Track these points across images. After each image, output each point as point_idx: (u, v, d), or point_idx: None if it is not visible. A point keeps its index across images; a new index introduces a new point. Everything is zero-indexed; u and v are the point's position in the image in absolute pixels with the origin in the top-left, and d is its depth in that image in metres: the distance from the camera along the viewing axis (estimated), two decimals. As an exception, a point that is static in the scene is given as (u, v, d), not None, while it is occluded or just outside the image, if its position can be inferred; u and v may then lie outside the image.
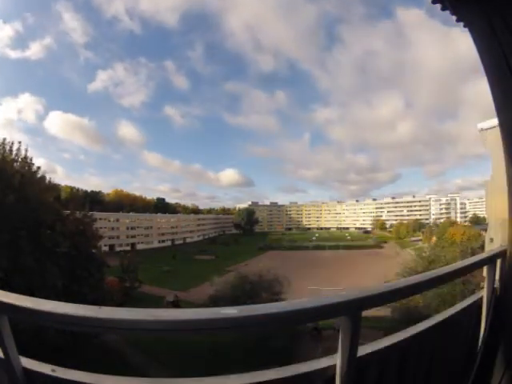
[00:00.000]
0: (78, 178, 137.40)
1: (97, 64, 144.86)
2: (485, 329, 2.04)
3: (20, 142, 17.71)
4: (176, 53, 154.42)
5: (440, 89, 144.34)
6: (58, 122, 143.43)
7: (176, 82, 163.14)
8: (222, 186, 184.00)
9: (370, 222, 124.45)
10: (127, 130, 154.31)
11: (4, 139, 17.28)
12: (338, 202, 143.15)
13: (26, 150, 17.62)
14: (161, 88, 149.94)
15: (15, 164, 17.06)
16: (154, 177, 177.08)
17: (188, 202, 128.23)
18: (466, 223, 79.25)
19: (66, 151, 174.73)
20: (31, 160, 17.83)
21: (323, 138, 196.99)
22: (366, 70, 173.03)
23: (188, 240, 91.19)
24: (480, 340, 2.04)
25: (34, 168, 18.03)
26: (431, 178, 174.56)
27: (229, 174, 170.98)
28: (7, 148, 17.03)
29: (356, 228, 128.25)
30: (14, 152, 17.24)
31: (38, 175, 18.14)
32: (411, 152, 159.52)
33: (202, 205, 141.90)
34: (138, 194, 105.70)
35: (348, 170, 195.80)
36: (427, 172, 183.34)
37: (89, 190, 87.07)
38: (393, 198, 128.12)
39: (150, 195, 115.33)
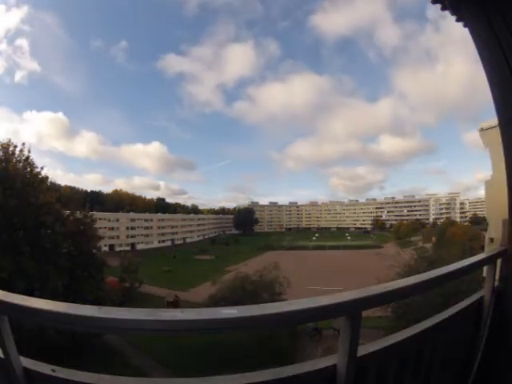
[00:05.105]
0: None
1: None
2: (485, 329, 2.04)
3: (24, 144, 17.66)
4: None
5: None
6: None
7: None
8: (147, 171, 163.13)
9: (370, 222, 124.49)
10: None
11: (9, 140, 17.26)
12: (338, 201, 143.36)
13: (29, 151, 17.58)
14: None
15: (18, 165, 17.01)
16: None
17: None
18: (466, 223, 79.27)
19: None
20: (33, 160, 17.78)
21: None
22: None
23: (188, 240, 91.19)
24: (480, 340, 2.04)
25: (37, 169, 17.97)
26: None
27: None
28: (10, 149, 16.99)
29: (356, 228, 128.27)
30: (17, 153, 17.20)
31: (40, 176, 18.09)
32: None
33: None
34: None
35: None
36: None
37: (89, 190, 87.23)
38: (393, 198, 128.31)
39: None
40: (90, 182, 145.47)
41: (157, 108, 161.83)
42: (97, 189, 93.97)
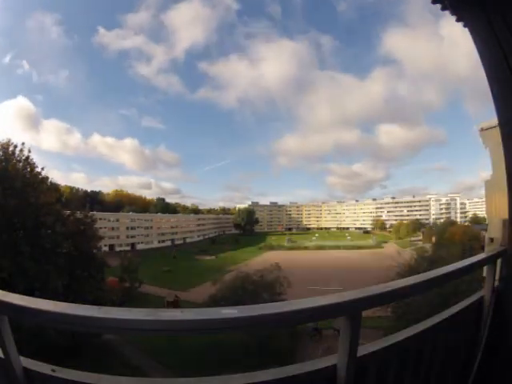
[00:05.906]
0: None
1: None
2: (485, 329, 2.03)
3: (23, 143, 17.64)
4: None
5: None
6: None
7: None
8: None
9: (370, 222, 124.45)
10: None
11: (9, 140, 17.24)
12: (338, 201, 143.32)
13: (29, 151, 17.55)
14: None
15: (18, 165, 16.99)
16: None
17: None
18: (466, 223, 79.21)
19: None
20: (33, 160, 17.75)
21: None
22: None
23: (188, 240, 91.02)
24: (480, 340, 2.04)
25: (38, 169, 17.93)
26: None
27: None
28: (10, 149, 16.97)
29: (356, 228, 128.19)
30: (17, 153, 17.17)
31: (41, 176, 18.07)
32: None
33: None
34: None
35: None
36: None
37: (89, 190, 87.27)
38: (393, 197, 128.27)
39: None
40: (75, 180, 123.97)
41: (125, 99, 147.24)
42: (82, 187, 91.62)
